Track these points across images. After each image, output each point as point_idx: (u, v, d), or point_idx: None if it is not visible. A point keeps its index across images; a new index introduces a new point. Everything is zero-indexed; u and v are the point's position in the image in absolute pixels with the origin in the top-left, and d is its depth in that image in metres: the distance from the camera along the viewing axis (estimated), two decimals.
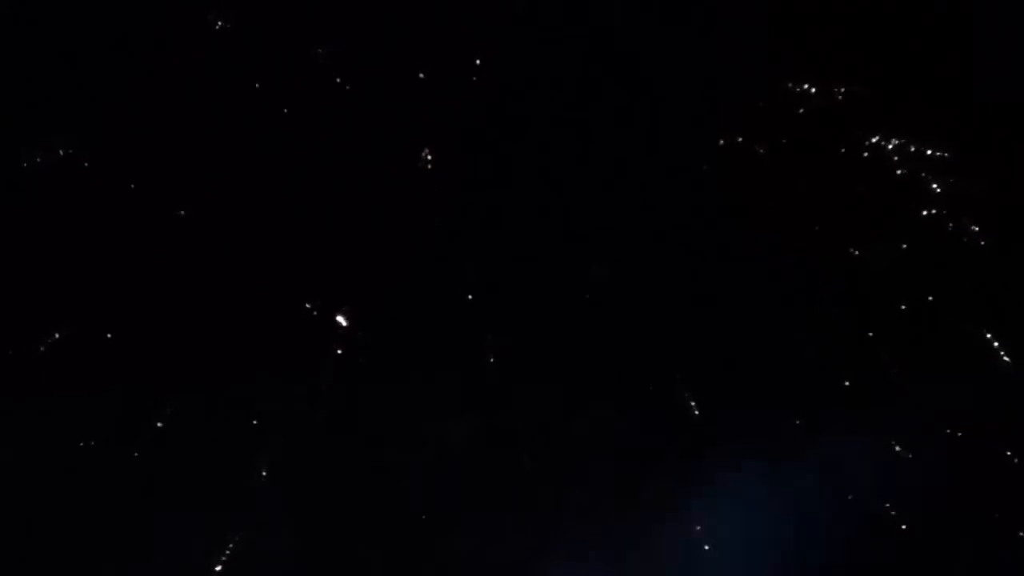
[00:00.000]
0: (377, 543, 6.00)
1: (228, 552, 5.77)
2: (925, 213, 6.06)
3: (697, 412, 6.09)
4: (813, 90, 6.10)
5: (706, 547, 6.04)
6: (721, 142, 6.10)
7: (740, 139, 6.11)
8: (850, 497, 5.98)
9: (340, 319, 5.90)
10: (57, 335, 5.82)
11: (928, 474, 5.92)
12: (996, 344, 5.93)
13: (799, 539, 5.91)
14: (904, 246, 6.08)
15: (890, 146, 6.07)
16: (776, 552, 5.92)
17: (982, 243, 6.00)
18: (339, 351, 5.94)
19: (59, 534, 5.76)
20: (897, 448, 5.97)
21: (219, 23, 5.80)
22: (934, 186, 6.06)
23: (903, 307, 6.08)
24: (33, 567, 5.74)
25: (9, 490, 5.74)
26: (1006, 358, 5.91)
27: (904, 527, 5.92)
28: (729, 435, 6.03)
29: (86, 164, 5.80)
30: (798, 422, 6.06)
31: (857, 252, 6.08)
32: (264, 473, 5.89)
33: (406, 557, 5.99)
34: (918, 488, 5.92)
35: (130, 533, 5.81)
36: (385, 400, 6.00)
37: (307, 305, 5.98)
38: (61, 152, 5.80)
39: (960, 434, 5.94)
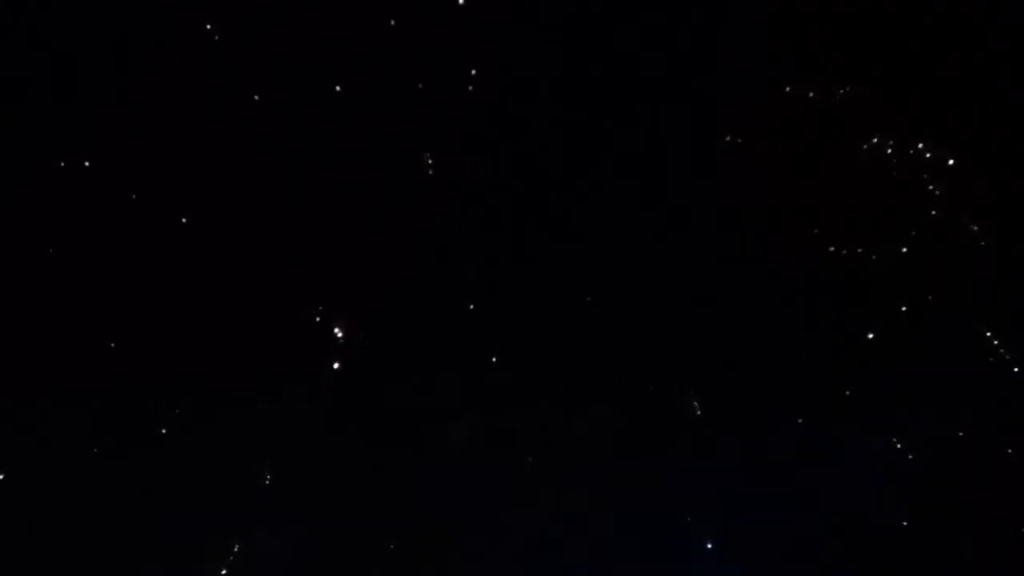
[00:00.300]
0: (377, 543, 6.00)
1: (232, 555, 5.79)
2: (925, 213, 6.07)
3: (699, 412, 6.08)
4: (813, 90, 6.10)
5: (708, 545, 6.05)
6: (721, 142, 6.10)
7: (740, 140, 6.11)
8: (850, 497, 5.98)
9: (337, 331, 5.90)
10: (56, 339, 5.81)
11: (929, 473, 5.93)
12: (997, 343, 5.94)
13: (800, 539, 5.94)
14: (904, 246, 6.07)
15: (890, 146, 6.08)
16: (777, 551, 5.95)
17: (982, 243, 6.02)
18: (338, 353, 5.94)
19: (57, 539, 5.78)
20: (899, 447, 5.98)
21: (219, 30, 5.78)
22: (933, 187, 6.07)
23: (904, 307, 6.08)
24: (34, 571, 5.76)
25: (9, 495, 5.76)
26: (1007, 357, 5.92)
27: (905, 524, 5.92)
28: (729, 435, 6.06)
29: (86, 166, 5.80)
30: (799, 421, 6.06)
31: (857, 252, 6.08)
32: (266, 474, 5.89)
33: (406, 557, 6.00)
34: (919, 488, 5.94)
35: (130, 537, 5.81)
36: (385, 400, 6.01)
37: (307, 306, 5.97)
38: (59, 159, 5.80)
39: (961, 434, 5.94)
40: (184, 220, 5.86)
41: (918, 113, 6.05)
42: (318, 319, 5.96)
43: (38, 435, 5.81)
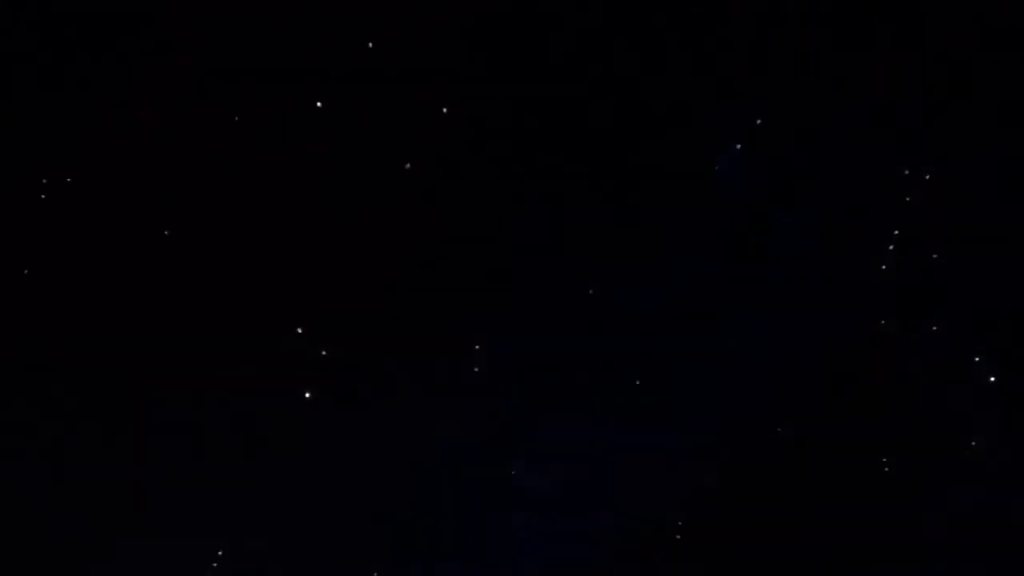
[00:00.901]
0: (371, 547, 6.03)
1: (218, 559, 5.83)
2: (923, 216, 6.01)
3: (690, 415, 6.07)
4: (813, 90, 6.02)
5: (696, 549, 6.07)
6: (719, 146, 6.03)
7: (738, 144, 6.04)
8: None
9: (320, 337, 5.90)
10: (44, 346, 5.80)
11: (913, 482, 5.94)
12: (989, 350, 5.92)
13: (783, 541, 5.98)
14: (902, 248, 6.03)
15: (887, 149, 6.01)
16: (757, 551, 6.00)
17: (979, 245, 5.98)
18: (326, 357, 5.92)
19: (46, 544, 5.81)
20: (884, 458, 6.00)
21: (199, 47, 5.71)
22: (929, 188, 6.01)
23: (900, 309, 6.05)
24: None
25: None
26: (1000, 364, 5.92)
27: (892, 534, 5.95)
28: (721, 438, 6.07)
29: (67, 178, 5.75)
30: (794, 424, 6.06)
31: (855, 255, 6.03)
32: (251, 476, 5.89)
33: (401, 560, 6.03)
34: (906, 495, 5.96)
35: (122, 541, 5.87)
36: (374, 405, 6.01)
37: (297, 311, 5.95)
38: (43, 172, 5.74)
39: (948, 442, 5.95)
40: (166, 232, 5.82)
41: (916, 114, 5.99)
42: (305, 321, 5.93)
43: (28, 442, 5.86)
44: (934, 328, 5.98)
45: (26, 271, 5.75)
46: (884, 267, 5.99)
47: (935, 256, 5.97)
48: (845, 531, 5.98)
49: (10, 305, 5.81)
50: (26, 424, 5.84)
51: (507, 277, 6.03)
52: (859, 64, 5.93)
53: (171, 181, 5.86)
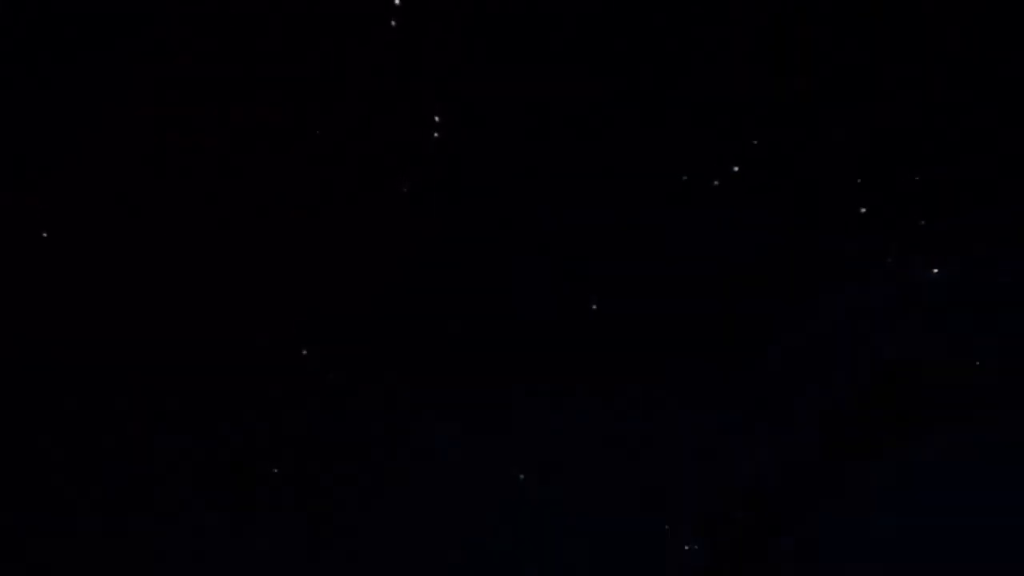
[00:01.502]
0: (371, 547, 6.03)
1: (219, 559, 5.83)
2: (922, 216, 6.02)
3: (687, 417, 6.08)
4: (812, 89, 6.02)
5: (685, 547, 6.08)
6: (717, 148, 6.03)
7: (735, 147, 6.03)
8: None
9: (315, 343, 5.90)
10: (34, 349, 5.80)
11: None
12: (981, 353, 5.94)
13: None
14: (901, 249, 6.03)
15: (887, 149, 6.02)
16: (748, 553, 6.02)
17: (975, 246, 5.98)
18: (326, 357, 5.92)
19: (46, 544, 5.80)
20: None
21: (199, 47, 5.69)
22: (927, 188, 6.01)
23: (896, 309, 6.06)
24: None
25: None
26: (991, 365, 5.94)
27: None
28: (716, 440, 6.08)
29: (67, 181, 5.74)
30: (787, 422, 6.07)
31: (854, 256, 6.04)
32: (256, 478, 5.90)
33: (398, 562, 6.02)
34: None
35: (122, 541, 5.85)
36: (372, 407, 6.00)
37: (297, 312, 5.94)
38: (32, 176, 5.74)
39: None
40: (166, 232, 5.82)
41: (914, 115, 5.98)
42: (302, 324, 5.93)
43: (24, 448, 5.83)
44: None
45: (26, 271, 5.74)
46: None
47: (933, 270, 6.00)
48: None
49: (10, 305, 5.81)
50: (26, 424, 5.84)
51: (507, 278, 6.03)
52: (859, 64, 5.92)
53: (171, 182, 5.86)
